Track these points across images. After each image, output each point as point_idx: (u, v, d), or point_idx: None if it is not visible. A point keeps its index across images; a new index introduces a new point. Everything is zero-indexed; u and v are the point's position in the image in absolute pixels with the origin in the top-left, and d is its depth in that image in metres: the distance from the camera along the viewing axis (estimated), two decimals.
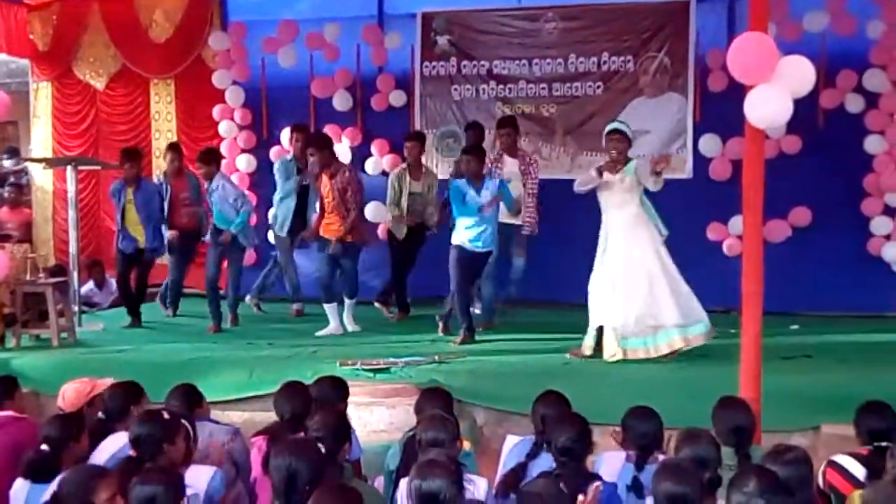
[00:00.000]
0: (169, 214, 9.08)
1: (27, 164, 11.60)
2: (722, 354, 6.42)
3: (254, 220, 9.31)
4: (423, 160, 9.22)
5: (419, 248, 9.05)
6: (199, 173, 8.88)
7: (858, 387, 5.62)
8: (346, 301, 8.42)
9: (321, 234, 8.27)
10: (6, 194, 11.46)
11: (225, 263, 8.83)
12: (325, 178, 8.17)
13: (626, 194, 6.96)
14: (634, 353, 6.88)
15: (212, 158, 8.78)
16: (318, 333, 8.24)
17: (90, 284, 10.47)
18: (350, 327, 8.40)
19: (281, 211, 9.22)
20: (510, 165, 8.41)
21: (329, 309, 8.34)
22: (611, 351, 6.93)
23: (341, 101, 10.14)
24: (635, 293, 6.88)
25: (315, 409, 4.74)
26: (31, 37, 11.12)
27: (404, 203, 8.91)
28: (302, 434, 4.47)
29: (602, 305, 7.01)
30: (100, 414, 4.90)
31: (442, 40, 10.06)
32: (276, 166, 9.43)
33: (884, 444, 4.11)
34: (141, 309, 9.03)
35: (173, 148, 9.42)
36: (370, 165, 10.02)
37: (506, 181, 7.99)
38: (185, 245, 9.24)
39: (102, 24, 10.90)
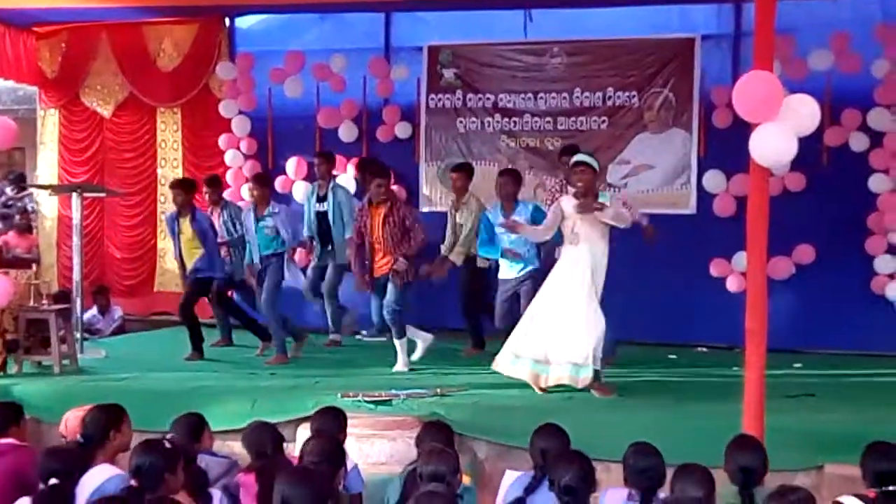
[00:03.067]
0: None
1: (33, 190, 11.63)
2: (725, 392, 6.40)
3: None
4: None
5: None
6: (256, 196, 8.59)
7: (862, 426, 5.61)
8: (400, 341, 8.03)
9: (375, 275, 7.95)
10: (15, 219, 11.48)
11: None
12: (377, 211, 7.82)
13: (602, 227, 6.84)
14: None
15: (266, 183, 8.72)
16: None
17: (93, 311, 10.47)
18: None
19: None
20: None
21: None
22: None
23: (347, 132, 10.20)
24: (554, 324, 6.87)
25: (309, 437, 4.76)
26: (40, 64, 11.19)
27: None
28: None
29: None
30: (78, 437, 4.77)
31: (448, 73, 10.13)
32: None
33: (892, 487, 4.08)
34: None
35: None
36: None
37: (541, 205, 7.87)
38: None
39: (111, 53, 10.99)
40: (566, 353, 6.76)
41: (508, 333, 7.22)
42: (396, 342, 8.00)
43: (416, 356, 8.22)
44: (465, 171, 8.81)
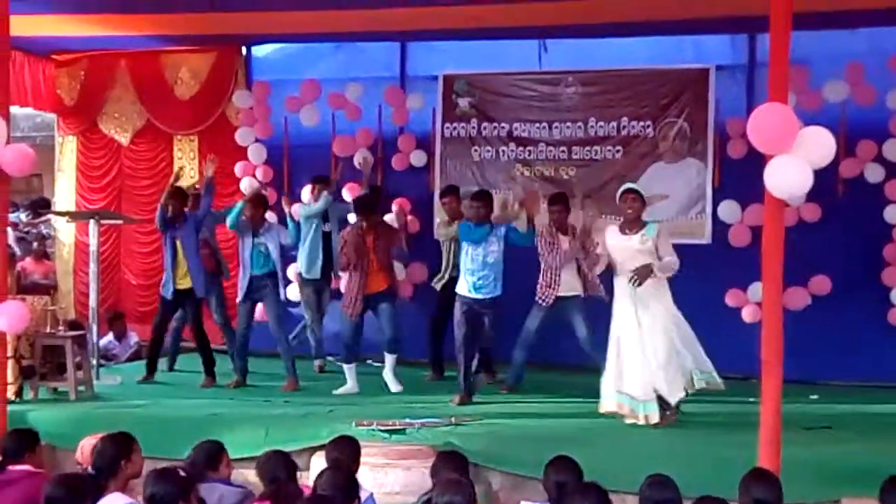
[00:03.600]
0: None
1: (51, 216, 11.70)
2: (741, 423, 6.35)
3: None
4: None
5: None
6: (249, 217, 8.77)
7: (880, 459, 5.58)
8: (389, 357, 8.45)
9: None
10: (32, 245, 11.54)
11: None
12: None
13: (646, 257, 6.95)
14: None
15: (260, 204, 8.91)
16: (335, 392, 8.26)
17: (109, 337, 10.50)
18: (393, 387, 8.40)
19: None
20: (564, 243, 8.15)
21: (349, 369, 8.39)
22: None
23: (364, 157, 10.23)
24: (641, 360, 6.88)
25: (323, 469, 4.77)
26: (59, 91, 11.29)
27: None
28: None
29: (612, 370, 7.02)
30: (88, 469, 4.79)
31: (463, 102, 10.16)
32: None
33: None
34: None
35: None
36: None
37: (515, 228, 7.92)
38: None
39: (129, 81, 11.07)
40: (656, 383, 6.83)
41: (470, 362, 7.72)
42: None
43: (339, 391, 8.31)
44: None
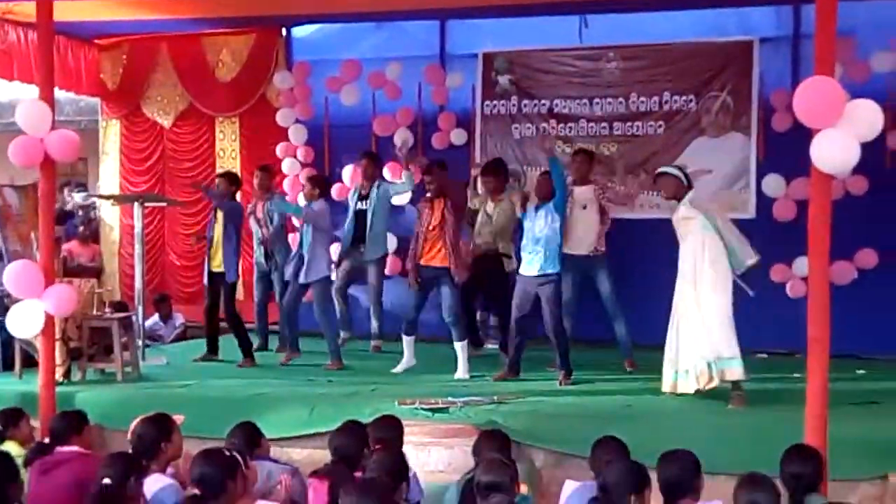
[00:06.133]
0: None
1: (95, 199, 11.84)
2: (787, 399, 6.32)
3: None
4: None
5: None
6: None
7: None
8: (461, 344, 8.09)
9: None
10: (78, 229, 11.67)
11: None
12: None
13: (682, 229, 6.90)
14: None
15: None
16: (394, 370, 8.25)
17: (155, 318, 10.62)
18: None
19: None
20: (584, 192, 8.22)
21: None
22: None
23: (402, 139, 10.23)
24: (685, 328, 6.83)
25: (372, 448, 4.78)
26: (102, 76, 11.41)
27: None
28: (359, 473, 4.50)
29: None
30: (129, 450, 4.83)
31: (503, 80, 10.12)
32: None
33: None
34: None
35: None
36: None
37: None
38: None
39: (171, 64, 11.18)
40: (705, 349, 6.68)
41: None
42: (458, 346, 8.01)
43: (397, 370, 8.25)
44: (494, 172, 8.66)
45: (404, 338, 8.29)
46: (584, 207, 8.21)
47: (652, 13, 9.55)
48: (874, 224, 8.67)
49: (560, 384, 7.57)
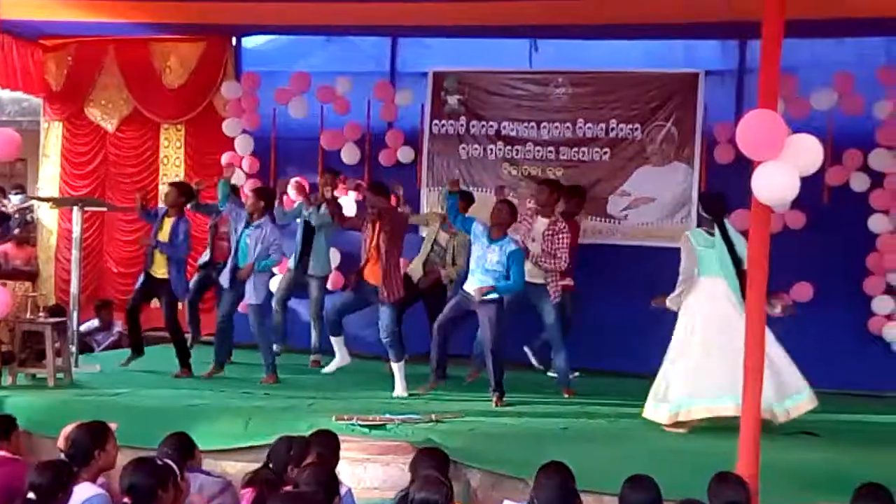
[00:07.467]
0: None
1: (34, 202, 11.63)
2: (726, 428, 6.37)
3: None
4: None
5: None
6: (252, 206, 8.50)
7: (856, 467, 5.59)
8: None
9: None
10: (14, 231, 11.47)
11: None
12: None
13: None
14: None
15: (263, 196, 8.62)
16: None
17: (94, 322, 10.43)
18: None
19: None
20: (540, 226, 8.13)
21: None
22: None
23: (349, 155, 10.22)
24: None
25: (305, 463, 4.76)
26: (46, 76, 11.21)
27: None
28: (289, 487, 4.49)
29: None
30: (62, 456, 4.74)
31: (452, 99, 10.16)
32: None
33: None
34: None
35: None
36: None
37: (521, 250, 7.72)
38: None
39: (117, 68, 11.02)
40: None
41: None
42: (394, 365, 7.99)
43: (328, 369, 8.44)
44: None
45: (333, 339, 8.34)
46: (534, 240, 8.08)
47: (601, 41, 9.68)
48: (811, 259, 8.84)
49: (495, 405, 7.57)
